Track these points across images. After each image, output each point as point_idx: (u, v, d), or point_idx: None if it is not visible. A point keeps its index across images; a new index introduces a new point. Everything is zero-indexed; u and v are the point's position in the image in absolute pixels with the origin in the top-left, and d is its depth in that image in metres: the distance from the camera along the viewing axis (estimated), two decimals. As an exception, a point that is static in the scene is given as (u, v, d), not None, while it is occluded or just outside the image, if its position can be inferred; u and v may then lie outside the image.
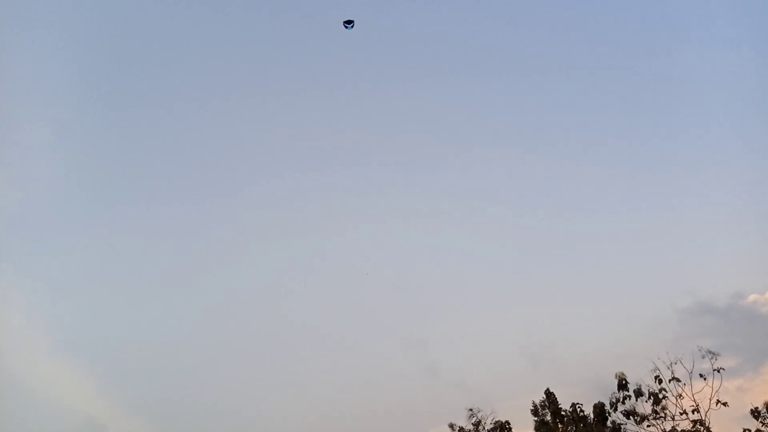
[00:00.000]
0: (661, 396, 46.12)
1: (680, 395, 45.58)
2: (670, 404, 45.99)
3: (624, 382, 47.85)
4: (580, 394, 49.55)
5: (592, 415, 48.19)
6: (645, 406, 46.78)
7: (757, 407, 44.73)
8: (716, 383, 44.67)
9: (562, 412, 48.47)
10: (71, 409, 77.42)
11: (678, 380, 46.00)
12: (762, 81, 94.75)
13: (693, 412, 45.03)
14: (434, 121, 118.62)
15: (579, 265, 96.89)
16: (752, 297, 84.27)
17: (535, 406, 48.97)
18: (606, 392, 48.43)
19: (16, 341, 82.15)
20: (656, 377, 46.12)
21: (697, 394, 45.17)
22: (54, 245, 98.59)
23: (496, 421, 48.64)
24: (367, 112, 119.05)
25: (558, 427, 47.73)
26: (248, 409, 79.43)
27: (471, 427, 49.06)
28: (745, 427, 44.35)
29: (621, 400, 47.36)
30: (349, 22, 35.98)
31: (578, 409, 48.54)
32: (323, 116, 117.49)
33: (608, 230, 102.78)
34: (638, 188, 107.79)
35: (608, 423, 47.46)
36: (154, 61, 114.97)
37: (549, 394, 49.16)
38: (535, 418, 48.69)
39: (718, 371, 44.66)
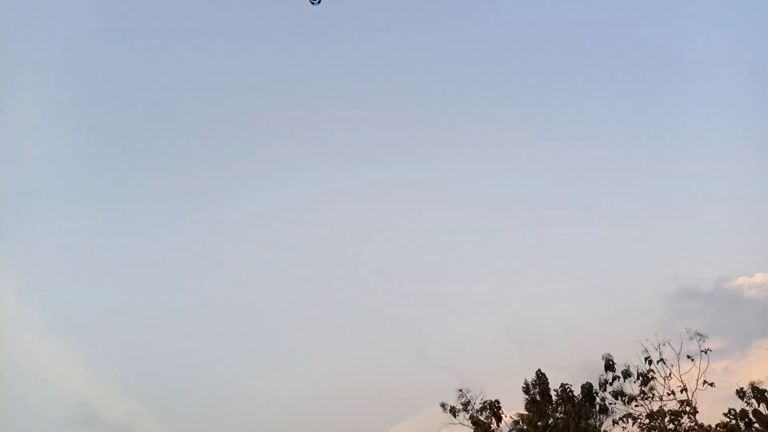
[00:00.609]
0: (649, 376, 46.59)
1: (669, 375, 46.26)
2: (658, 385, 46.80)
3: (611, 363, 48.49)
4: (567, 377, 49.93)
5: (580, 396, 48.51)
6: (633, 387, 47.53)
7: (742, 387, 45.45)
8: (703, 364, 45.58)
9: (552, 392, 48.77)
10: (63, 390, 77.65)
11: (664, 362, 46.71)
12: (754, 76, 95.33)
13: (681, 392, 45.78)
14: (420, 115, 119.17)
15: (566, 251, 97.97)
16: (740, 280, 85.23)
17: (526, 384, 49.26)
18: (594, 376, 49.13)
19: (9, 323, 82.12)
20: (646, 358, 46.68)
21: (685, 375, 46.04)
22: (47, 228, 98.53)
23: (486, 401, 48.98)
24: (355, 110, 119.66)
25: (548, 407, 48.15)
26: (239, 392, 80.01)
27: (461, 406, 49.35)
28: (731, 407, 44.97)
29: (610, 381, 47.83)
30: None
31: (567, 390, 48.81)
32: (314, 113, 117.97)
33: (595, 216, 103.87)
34: (624, 175, 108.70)
35: (596, 402, 47.91)
36: (152, 50, 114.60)
37: (540, 374, 49.47)
38: (526, 396, 49.02)
39: (706, 353, 45.55)
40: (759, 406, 44.56)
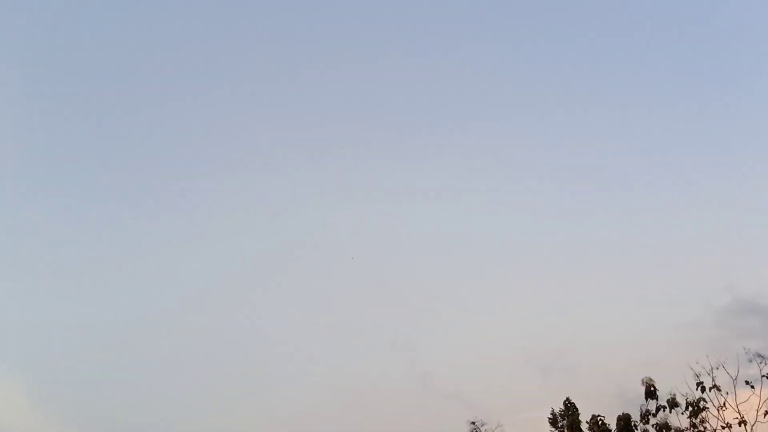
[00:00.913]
0: (700, 406, 41.82)
1: (723, 405, 41.29)
2: (711, 416, 41.82)
3: (653, 389, 43.69)
4: (600, 407, 45.50)
5: (616, 429, 43.72)
6: (680, 419, 42.58)
7: (811, 418, 40.75)
8: (765, 392, 40.78)
9: (583, 425, 44.41)
10: (1, 424, 67.57)
11: (718, 389, 41.60)
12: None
13: (739, 425, 40.86)
14: (427, 103, 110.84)
15: (597, 258, 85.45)
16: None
17: (553, 414, 45.12)
18: (631, 405, 44.38)
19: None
20: (698, 384, 41.68)
21: (743, 404, 41.30)
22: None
23: (503, 435, 43.48)
24: (352, 102, 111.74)
25: (579, 441, 42.28)
26: (219, 422, 69.65)
27: (473, 440, 43.58)
28: (800, 443, 39.22)
29: (653, 411, 42.92)
30: None
31: (600, 422, 44.28)
32: (306, 101, 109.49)
33: (630, 217, 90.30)
34: (668, 168, 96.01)
35: (636, 437, 42.46)
36: (111, 24, 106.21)
37: (568, 404, 45.16)
38: (553, 430, 44.94)
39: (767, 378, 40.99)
40: (831, 441, 39.02)
